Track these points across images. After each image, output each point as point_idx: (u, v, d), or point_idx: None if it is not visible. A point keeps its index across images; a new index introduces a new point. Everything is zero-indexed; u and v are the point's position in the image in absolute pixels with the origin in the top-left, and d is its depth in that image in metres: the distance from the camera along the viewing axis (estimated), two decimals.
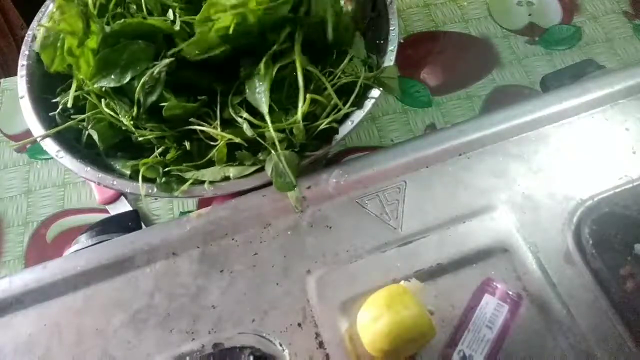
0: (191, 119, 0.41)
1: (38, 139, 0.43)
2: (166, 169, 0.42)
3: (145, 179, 0.41)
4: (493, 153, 0.43)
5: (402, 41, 0.48)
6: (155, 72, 0.39)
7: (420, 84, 0.65)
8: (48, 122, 0.44)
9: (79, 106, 0.44)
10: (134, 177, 0.42)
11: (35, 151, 0.62)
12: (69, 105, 0.43)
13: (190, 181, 0.41)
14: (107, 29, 0.39)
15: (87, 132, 0.44)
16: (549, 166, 0.42)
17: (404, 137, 0.62)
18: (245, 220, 0.40)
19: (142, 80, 0.39)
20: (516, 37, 0.69)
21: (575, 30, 0.70)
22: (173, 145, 0.43)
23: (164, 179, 0.41)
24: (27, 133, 0.63)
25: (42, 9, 0.50)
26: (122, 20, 0.40)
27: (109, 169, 0.43)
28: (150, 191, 0.40)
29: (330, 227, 0.40)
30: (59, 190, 0.59)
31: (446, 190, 0.41)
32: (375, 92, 0.44)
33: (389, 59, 0.47)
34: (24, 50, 0.47)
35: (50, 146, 0.43)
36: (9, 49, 0.93)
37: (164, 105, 0.40)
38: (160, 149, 0.43)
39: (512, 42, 0.69)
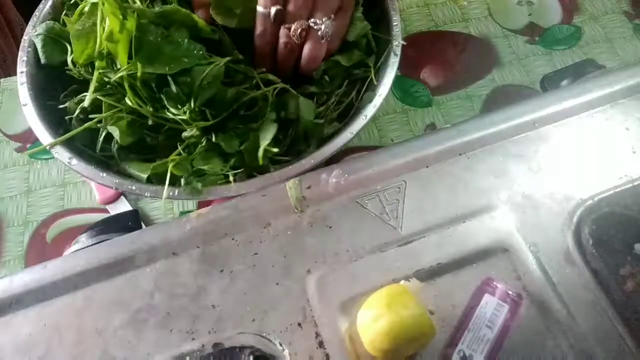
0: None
1: (48, 147, 0.42)
2: (194, 168, 0.42)
3: (163, 182, 0.41)
4: (493, 153, 0.43)
5: (403, 42, 0.49)
6: (215, 70, 0.41)
7: (420, 84, 0.65)
8: (53, 128, 0.44)
9: (87, 112, 0.44)
10: (150, 181, 0.42)
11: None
12: (86, 104, 0.42)
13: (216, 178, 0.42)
14: (155, 9, 0.40)
15: (103, 133, 0.44)
16: (549, 166, 0.42)
17: (404, 137, 0.62)
18: (245, 220, 0.40)
19: (202, 75, 0.40)
20: (516, 37, 0.69)
21: (575, 30, 0.70)
22: (205, 138, 0.43)
23: (184, 182, 0.41)
24: (27, 133, 0.63)
25: (36, 12, 0.49)
26: (171, 5, 0.41)
27: (121, 173, 0.43)
28: (171, 194, 0.40)
29: (330, 227, 0.40)
30: (59, 190, 0.59)
31: (446, 190, 0.41)
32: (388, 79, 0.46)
33: (394, 54, 0.47)
34: (22, 57, 0.47)
35: (61, 154, 0.42)
36: (9, 49, 0.93)
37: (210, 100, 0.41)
38: (185, 144, 0.43)
39: (512, 42, 0.69)
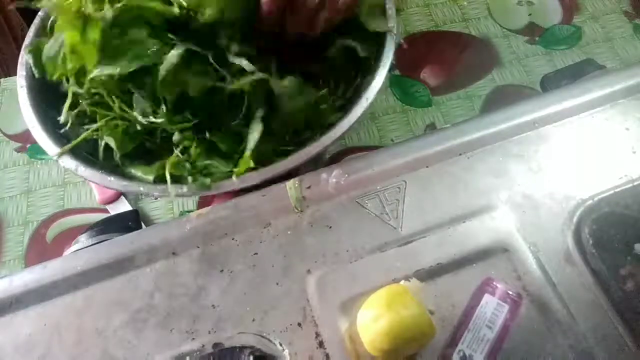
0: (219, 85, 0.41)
1: (54, 158, 0.42)
2: (194, 166, 0.41)
3: (173, 180, 0.40)
4: (493, 153, 0.43)
5: (402, 41, 0.49)
6: (173, 59, 0.38)
7: (420, 84, 0.65)
8: (58, 138, 0.44)
9: (83, 123, 0.44)
10: (157, 181, 0.41)
11: (35, 151, 0.62)
12: (62, 120, 0.42)
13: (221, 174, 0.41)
14: (107, 15, 0.38)
15: (102, 143, 0.43)
16: (549, 166, 0.42)
17: (404, 136, 0.62)
18: (245, 220, 0.40)
19: (164, 69, 0.38)
20: (516, 37, 0.69)
21: (575, 30, 0.70)
22: (194, 138, 0.42)
23: (191, 178, 0.41)
24: (27, 133, 0.63)
25: (40, 13, 0.49)
26: (120, 4, 0.39)
27: (127, 177, 0.42)
28: (179, 191, 0.40)
29: (330, 227, 0.40)
30: (59, 190, 0.59)
31: (446, 190, 0.41)
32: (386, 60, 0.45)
33: (391, 36, 0.47)
34: (21, 71, 0.46)
35: (67, 162, 0.42)
36: (9, 49, 0.93)
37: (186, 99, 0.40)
38: (180, 147, 0.42)
39: (512, 42, 0.69)
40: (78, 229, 0.56)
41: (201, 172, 0.42)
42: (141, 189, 0.41)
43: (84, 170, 0.41)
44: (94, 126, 0.43)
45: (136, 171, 0.43)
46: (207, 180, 0.40)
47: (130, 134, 0.43)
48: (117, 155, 0.43)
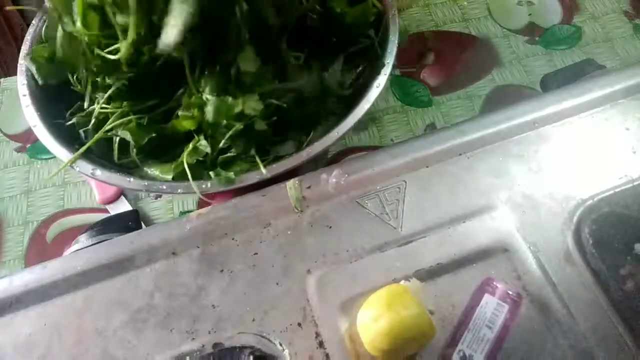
0: None
1: (69, 165, 0.42)
2: (214, 149, 0.41)
3: (193, 178, 0.40)
4: (493, 153, 0.43)
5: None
6: None
7: (420, 84, 0.65)
8: (68, 143, 0.44)
9: (97, 125, 0.44)
10: (176, 179, 0.41)
11: (35, 151, 0.62)
12: (86, 106, 0.42)
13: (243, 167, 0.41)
14: None
15: (117, 140, 0.43)
16: (549, 166, 0.42)
17: (404, 137, 0.62)
18: (245, 220, 0.40)
19: None
20: (516, 37, 0.69)
21: (575, 30, 0.70)
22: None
23: (214, 174, 0.40)
24: (27, 133, 0.63)
25: (34, 21, 0.49)
26: None
27: (145, 177, 0.42)
28: (203, 187, 0.40)
29: (330, 227, 0.40)
30: (59, 190, 0.59)
31: (446, 190, 0.41)
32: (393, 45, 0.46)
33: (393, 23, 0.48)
34: (22, 80, 0.46)
35: (84, 167, 0.42)
36: (9, 49, 0.93)
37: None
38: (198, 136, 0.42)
39: (512, 42, 0.69)
40: (78, 229, 0.56)
41: (220, 166, 0.41)
42: (164, 187, 0.41)
43: (100, 174, 0.41)
44: (107, 125, 0.43)
45: (154, 170, 0.43)
46: (231, 174, 0.40)
47: (143, 127, 0.43)
48: (133, 151, 0.43)
